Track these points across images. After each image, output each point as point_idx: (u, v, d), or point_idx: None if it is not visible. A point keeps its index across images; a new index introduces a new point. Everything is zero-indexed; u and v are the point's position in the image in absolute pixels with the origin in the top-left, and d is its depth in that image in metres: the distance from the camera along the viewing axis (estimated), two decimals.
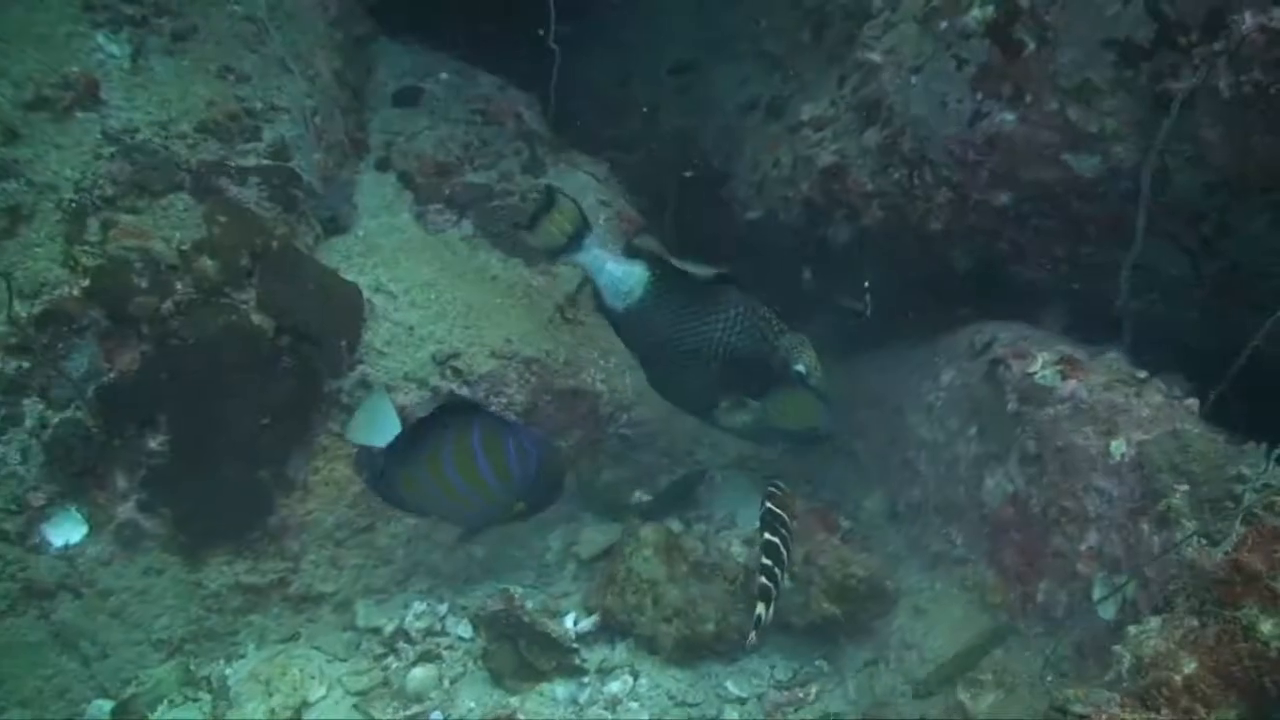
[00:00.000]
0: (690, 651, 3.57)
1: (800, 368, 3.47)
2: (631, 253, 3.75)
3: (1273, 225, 2.94)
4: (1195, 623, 2.36)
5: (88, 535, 3.50)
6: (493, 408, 3.88)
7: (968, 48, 3.28)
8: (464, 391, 3.85)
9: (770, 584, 2.92)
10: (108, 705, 3.51)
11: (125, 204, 3.57)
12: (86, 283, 3.42)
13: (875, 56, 3.74)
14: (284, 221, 3.80)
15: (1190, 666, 2.30)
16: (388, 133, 4.40)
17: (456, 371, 3.88)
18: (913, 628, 3.24)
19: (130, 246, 3.49)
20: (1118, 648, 2.41)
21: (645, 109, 5.11)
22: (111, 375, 3.46)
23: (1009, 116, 3.24)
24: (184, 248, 3.54)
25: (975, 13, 3.22)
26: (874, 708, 3.16)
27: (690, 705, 3.46)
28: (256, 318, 3.61)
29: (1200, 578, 2.40)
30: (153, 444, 3.53)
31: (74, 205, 3.49)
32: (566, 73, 4.58)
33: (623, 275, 3.62)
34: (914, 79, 3.50)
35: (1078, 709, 2.30)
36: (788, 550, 3.05)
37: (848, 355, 4.12)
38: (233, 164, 3.77)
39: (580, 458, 4.11)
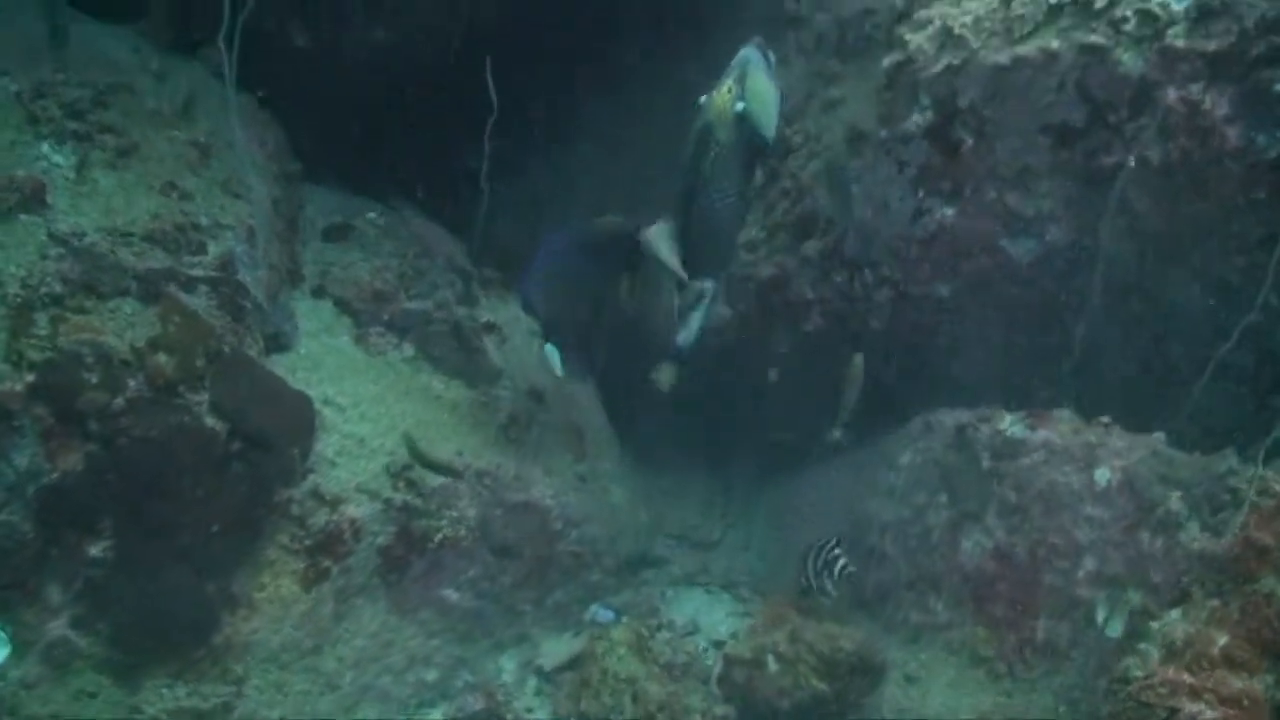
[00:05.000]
0: None
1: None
2: None
3: (1201, 293, 3.31)
4: (1217, 603, 2.52)
5: (10, 656, 3.16)
6: (444, 522, 3.81)
7: (908, 151, 3.64)
8: (417, 504, 3.77)
9: None
10: None
11: (74, 303, 3.44)
12: (31, 377, 3.25)
13: (805, 180, 4.07)
14: (233, 330, 3.72)
15: (1223, 640, 2.44)
16: (321, 263, 4.41)
17: (410, 483, 3.80)
18: (907, 695, 3.26)
19: (83, 340, 3.34)
20: (1143, 645, 2.51)
21: None
22: (53, 476, 3.23)
23: (949, 211, 3.58)
24: (139, 345, 3.42)
25: (915, 118, 3.60)
26: None
27: None
28: (210, 420, 3.48)
29: (1212, 564, 2.58)
30: (94, 551, 3.28)
31: (19, 300, 3.34)
32: (486, 218, 4.77)
33: None
34: (854, 189, 3.82)
35: (1138, 674, 2.38)
36: None
37: (786, 475, 4.25)
38: (181, 272, 3.71)
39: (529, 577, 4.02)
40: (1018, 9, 3.41)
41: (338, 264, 4.42)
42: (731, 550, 4.56)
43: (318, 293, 4.32)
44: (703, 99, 3.38)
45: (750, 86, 3.35)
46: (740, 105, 3.33)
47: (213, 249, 3.84)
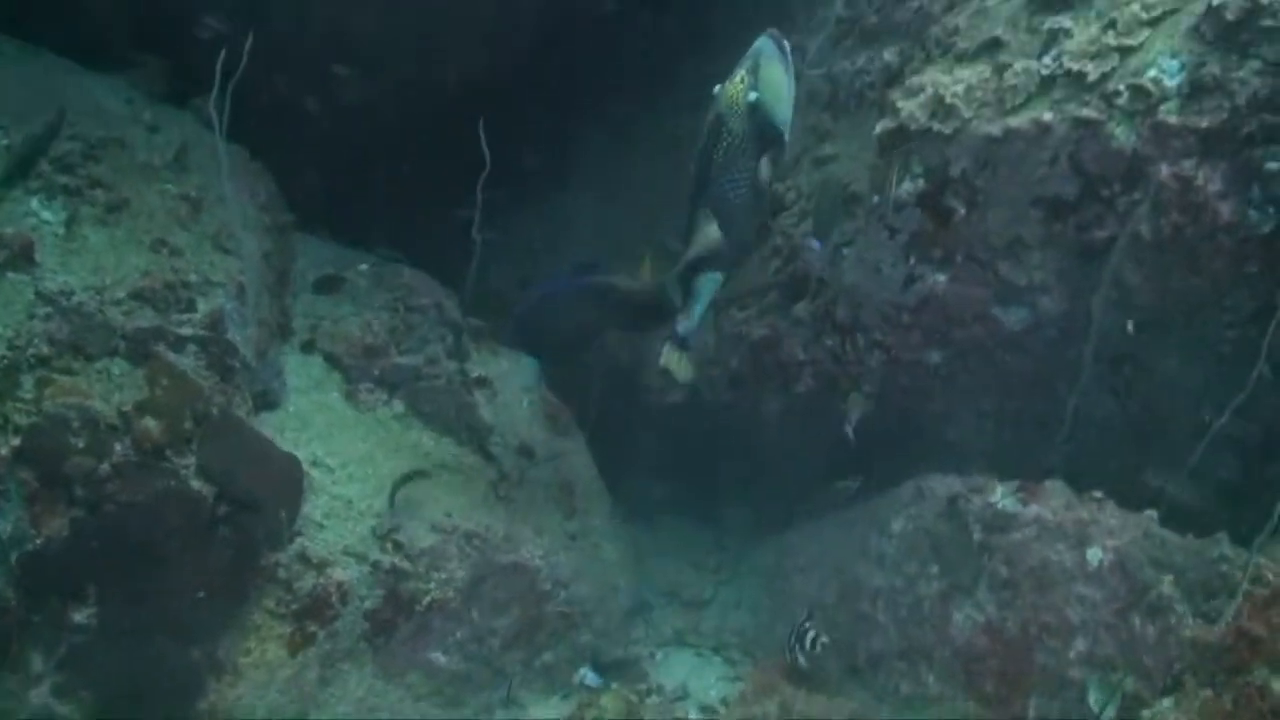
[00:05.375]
0: None
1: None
2: None
3: (1184, 364, 3.31)
4: (1209, 693, 2.50)
5: None
6: (432, 584, 3.80)
7: (899, 218, 3.64)
8: (405, 566, 3.75)
9: None
10: None
11: (61, 364, 3.42)
12: (17, 441, 3.22)
13: (797, 240, 4.07)
14: (221, 390, 3.70)
15: None
16: (312, 317, 4.39)
17: (398, 545, 3.78)
18: None
19: (70, 404, 3.32)
20: None
21: None
22: (37, 541, 3.20)
23: (940, 278, 3.58)
24: (126, 408, 3.39)
25: (906, 185, 3.60)
26: None
27: None
28: (197, 483, 3.45)
29: (1205, 652, 2.56)
30: (78, 618, 3.25)
31: (6, 362, 3.32)
32: (479, 269, 4.77)
33: None
34: (845, 251, 3.82)
35: None
36: None
37: (778, 529, 4.23)
38: (170, 331, 3.68)
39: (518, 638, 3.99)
40: (1010, 79, 3.42)
41: (328, 317, 4.40)
42: (724, 608, 4.53)
43: (307, 347, 4.29)
44: (716, 89, 3.35)
45: (763, 76, 3.31)
46: (753, 95, 3.30)
47: (202, 306, 3.82)
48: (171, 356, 3.63)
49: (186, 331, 3.73)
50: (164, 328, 3.67)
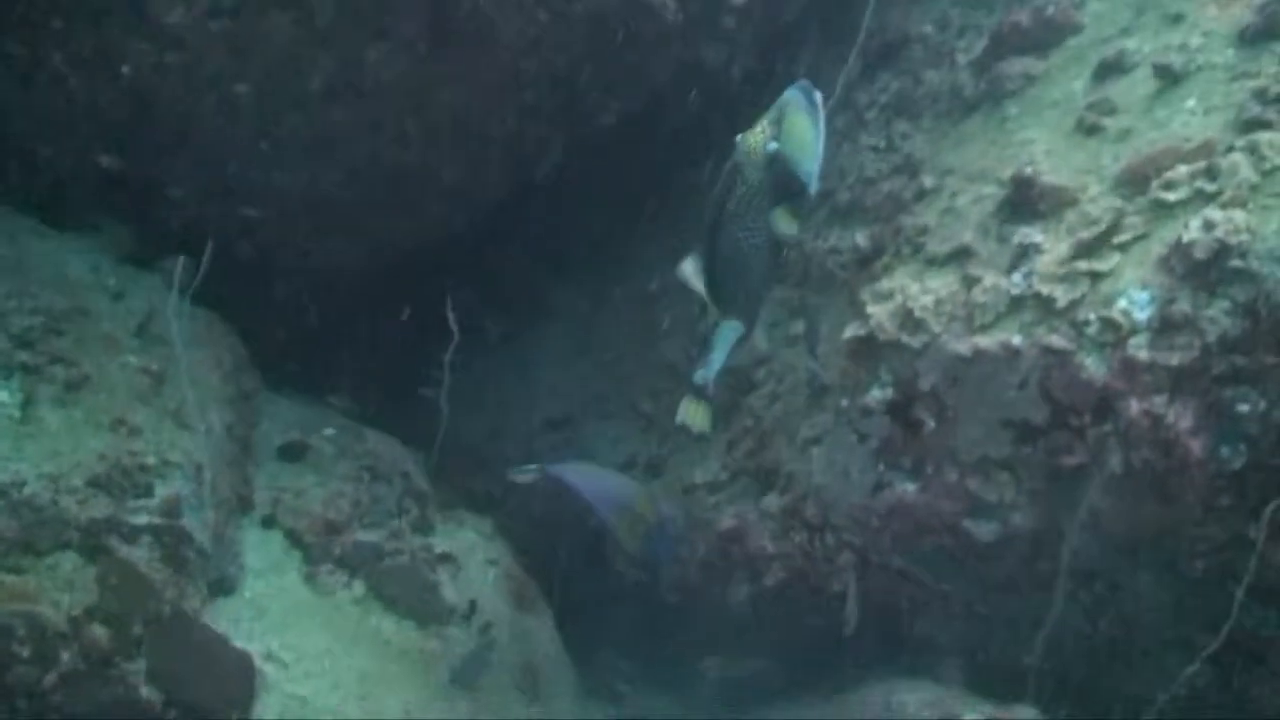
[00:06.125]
0: None
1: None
2: None
3: (1157, 583, 3.27)
4: None
5: None
6: None
7: (868, 424, 3.61)
8: None
9: None
10: None
11: (9, 563, 3.33)
12: None
13: (767, 426, 4.03)
14: (174, 584, 3.60)
15: None
16: (274, 488, 4.31)
17: None
18: None
19: (16, 612, 3.22)
20: None
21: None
22: None
23: (910, 487, 3.54)
24: (75, 613, 3.30)
25: (875, 393, 3.57)
26: None
27: None
28: (146, 690, 3.34)
29: None
30: None
31: None
32: (446, 428, 4.72)
33: None
34: (814, 450, 3.78)
35: None
36: None
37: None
38: (124, 521, 3.60)
39: None
40: (979, 296, 3.41)
41: (290, 489, 4.31)
42: None
43: (268, 522, 4.21)
44: (737, 137, 3.31)
45: (787, 127, 3.25)
46: (773, 145, 3.25)
47: (160, 491, 3.74)
48: (124, 550, 3.54)
49: (142, 520, 3.64)
50: (118, 517, 3.59)
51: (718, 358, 3.45)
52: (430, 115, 4.32)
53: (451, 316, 4.44)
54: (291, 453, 4.50)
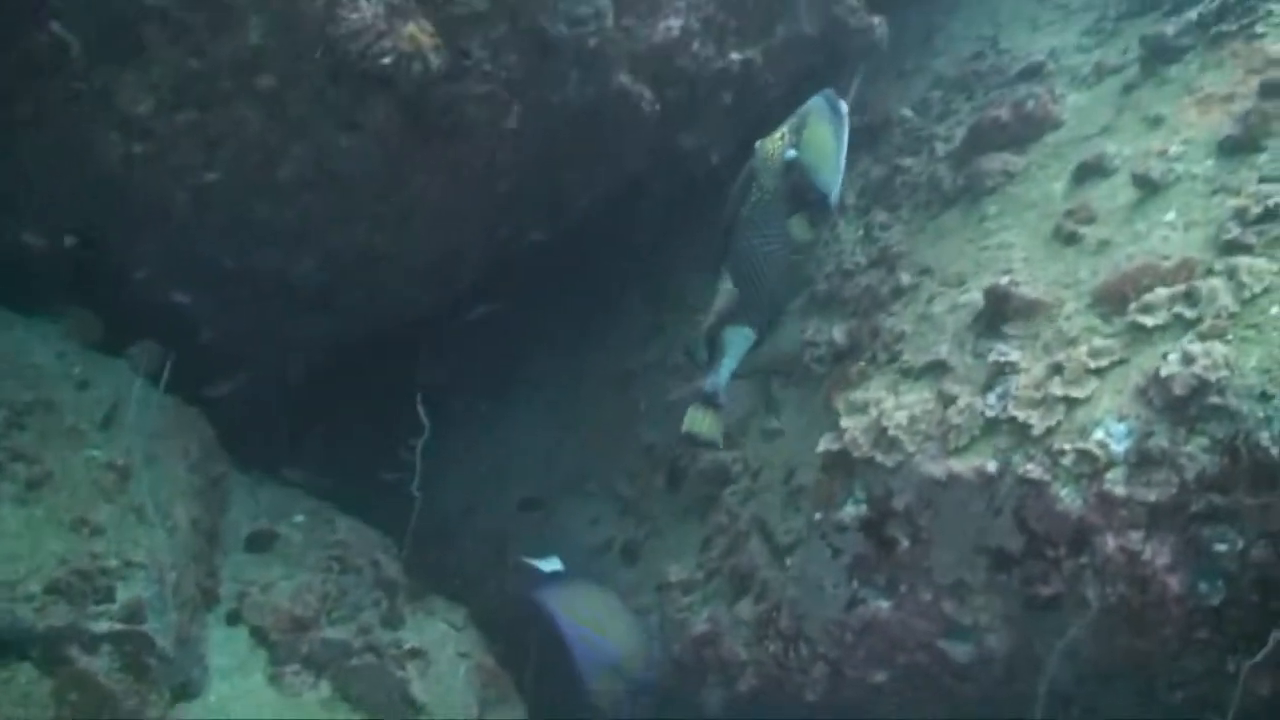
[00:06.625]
0: None
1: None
2: None
3: (1135, 708, 3.23)
4: None
5: None
6: None
7: (842, 539, 3.56)
8: None
9: None
10: None
11: None
12: None
13: (742, 525, 3.99)
14: (136, 693, 3.53)
15: None
16: (240, 581, 4.23)
17: None
18: None
19: None
20: None
21: (491, 544, 5.17)
22: None
23: (884, 604, 3.50)
24: None
25: (849, 509, 3.53)
26: None
27: None
28: None
29: None
30: None
31: None
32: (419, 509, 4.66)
33: None
34: (788, 560, 3.74)
35: None
36: None
37: None
38: (84, 629, 3.53)
39: None
40: (953, 416, 3.37)
41: (257, 583, 4.24)
42: None
43: (233, 618, 4.13)
44: (756, 143, 3.25)
45: (807, 136, 3.22)
46: (791, 153, 3.20)
47: (121, 594, 3.67)
48: (84, 660, 3.47)
49: (103, 627, 3.57)
50: (78, 624, 3.52)
51: (728, 364, 3.41)
52: (403, 202, 4.26)
53: (419, 401, 4.36)
54: (259, 542, 4.43)
